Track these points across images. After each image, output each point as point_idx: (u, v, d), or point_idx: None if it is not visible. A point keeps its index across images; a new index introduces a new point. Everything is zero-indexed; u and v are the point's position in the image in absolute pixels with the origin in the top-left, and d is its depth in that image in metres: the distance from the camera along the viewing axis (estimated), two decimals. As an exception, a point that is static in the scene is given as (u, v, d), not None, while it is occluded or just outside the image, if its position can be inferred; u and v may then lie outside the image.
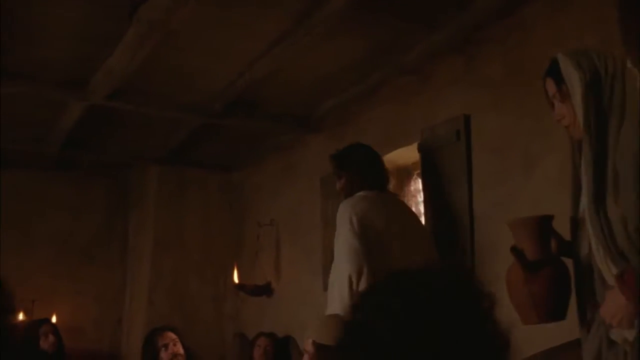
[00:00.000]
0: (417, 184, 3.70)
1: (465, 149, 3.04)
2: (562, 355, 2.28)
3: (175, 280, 5.12)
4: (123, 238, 5.61)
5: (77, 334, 5.08)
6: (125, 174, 5.58)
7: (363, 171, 2.95)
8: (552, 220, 2.00)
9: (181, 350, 3.42)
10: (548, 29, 2.75)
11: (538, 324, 1.93)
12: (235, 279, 4.74)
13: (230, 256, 5.15)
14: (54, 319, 4.80)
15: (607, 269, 1.75)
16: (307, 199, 4.35)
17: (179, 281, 5.13)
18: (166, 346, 3.38)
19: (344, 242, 2.70)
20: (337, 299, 2.63)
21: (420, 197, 3.59)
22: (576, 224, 1.95)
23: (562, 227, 2.02)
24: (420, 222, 3.12)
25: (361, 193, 2.86)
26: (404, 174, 3.82)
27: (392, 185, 3.39)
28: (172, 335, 3.47)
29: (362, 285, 2.61)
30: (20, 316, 4.62)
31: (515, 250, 1.94)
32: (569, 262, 1.99)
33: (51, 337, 4.36)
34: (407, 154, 3.61)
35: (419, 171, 3.55)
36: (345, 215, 2.74)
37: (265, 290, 4.66)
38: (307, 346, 2.35)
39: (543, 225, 1.96)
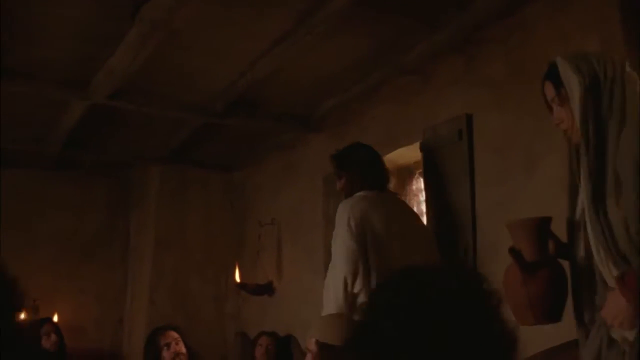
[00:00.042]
0: (419, 184, 3.71)
1: (467, 148, 3.05)
2: (561, 356, 2.29)
3: (176, 279, 5.13)
4: (124, 237, 5.62)
5: (78, 334, 5.09)
6: (127, 173, 5.59)
7: (363, 171, 2.96)
8: (551, 222, 2.00)
9: (183, 350, 3.41)
10: (549, 29, 2.76)
11: (534, 325, 1.93)
12: (237, 278, 4.74)
13: (231, 255, 5.15)
14: (55, 318, 4.81)
15: (607, 271, 1.75)
16: (309, 198, 4.36)
17: (181, 280, 5.14)
18: (168, 345, 3.38)
19: (341, 244, 2.71)
20: (332, 300, 2.66)
21: (422, 197, 3.60)
22: (573, 226, 1.96)
23: (563, 227, 2.02)
24: (421, 221, 3.13)
25: (361, 193, 2.86)
26: (406, 174, 3.82)
27: (393, 185, 3.40)
28: (174, 334, 3.46)
29: (357, 287, 2.64)
30: (22, 315, 4.62)
31: (513, 251, 1.94)
32: (565, 264, 1.99)
33: (53, 337, 4.37)
34: (408, 154, 3.62)
35: (420, 170, 3.56)
36: (343, 216, 2.75)
37: (267, 289, 4.67)
38: (310, 345, 2.35)
39: (541, 227, 1.97)
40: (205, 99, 3.86)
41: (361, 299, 2.65)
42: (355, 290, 2.65)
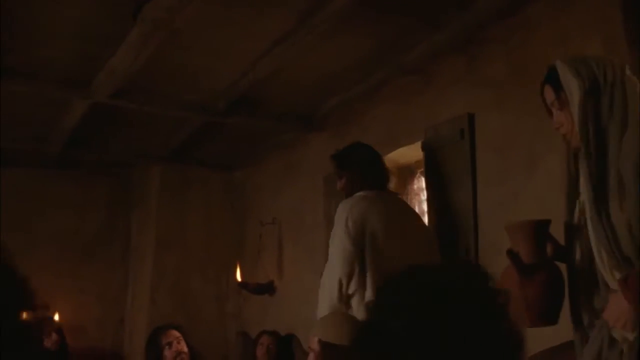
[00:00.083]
0: (420, 183, 3.71)
1: (468, 148, 3.05)
2: (560, 356, 2.29)
3: (177, 279, 5.14)
4: (125, 237, 5.62)
5: (79, 333, 5.10)
6: (128, 172, 5.59)
7: (363, 171, 2.96)
8: (549, 225, 2.00)
9: (185, 349, 3.41)
10: (551, 28, 2.76)
11: (530, 328, 1.93)
12: (238, 278, 4.75)
13: (232, 255, 5.16)
14: (56, 318, 4.82)
15: (609, 274, 1.75)
16: (310, 198, 4.36)
17: (182, 280, 5.15)
18: (170, 344, 3.38)
19: (339, 244, 2.72)
20: (327, 300, 2.69)
21: (423, 196, 3.60)
22: (571, 229, 1.96)
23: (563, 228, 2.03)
24: (421, 221, 3.13)
25: (361, 193, 2.87)
26: (407, 173, 3.83)
27: (394, 185, 3.40)
28: (176, 333, 3.46)
29: (352, 289, 2.67)
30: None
31: (510, 253, 1.95)
32: (563, 267, 1.99)
33: (54, 336, 4.37)
34: (410, 153, 3.62)
35: (422, 170, 3.56)
36: (342, 216, 2.76)
37: (268, 288, 4.67)
38: (313, 344, 2.35)
39: (540, 229, 1.97)
40: (206, 98, 3.86)
41: (355, 300, 2.68)
42: (350, 291, 2.68)
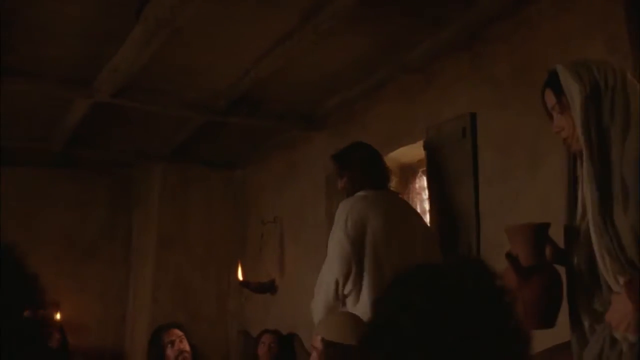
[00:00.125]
0: (422, 182, 3.71)
1: (471, 146, 3.05)
2: (560, 356, 2.29)
3: (178, 277, 5.14)
4: (126, 236, 5.63)
5: (81, 332, 5.10)
6: (129, 171, 5.59)
7: (364, 170, 2.95)
8: (549, 228, 2.00)
9: (187, 347, 3.41)
10: (553, 27, 2.76)
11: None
12: (239, 276, 4.75)
13: (233, 254, 5.16)
14: (57, 317, 4.82)
15: (612, 278, 1.75)
16: (311, 197, 4.36)
17: (183, 279, 5.15)
18: (172, 343, 3.38)
19: (337, 244, 2.73)
20: (323, 299, 2.72)
21: (425, 195, 3.60)
22: (571, 232, 1.95)
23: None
24: (423, 221, 3.12)
25: (362, 192, 2.86)
26: (409, 172, 3.83)
27: (396, 183, 3.40)
28: (178, 332, 3.46)
29: (348, 289, 2.69)
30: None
31: (509, 256, 1.95)
32: (562, 271, 1.99)
33: (56, 334, 4.37)
34: (411, 152, 3.62)
35: (423, 169, 3.56)
36: (342, 216, 2.76)
37: (269, 287, 4.67)
38: (316, 343, 2.36)
39: (539, 232, 1.97)
40: (208, 97, 3.86)
41: (350, 299, 2.70)
42: (346, 291, 2.70)
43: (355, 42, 3.22)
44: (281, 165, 4.83)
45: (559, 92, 1.90)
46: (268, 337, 4.21)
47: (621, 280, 1.72)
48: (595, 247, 1.78)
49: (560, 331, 2.02)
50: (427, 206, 3.51)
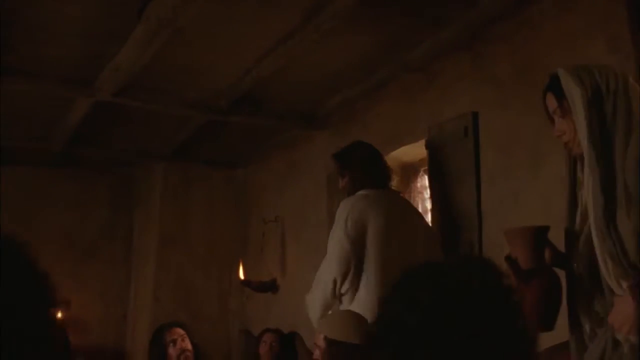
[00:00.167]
0: (424, 181, 3.72)
1: (472, 146, 3.05)
2: (559, 356, 2.29)
3: (180, 276, 5.15)
4: (127, 235, 5.63)
5: (82, 331, 5.11)
6: (130, 170, 5.59)
7: (365, 169, 2.96)
8: (548, 231, 2.00)
9: (189, 346, 3.42)
10: (555, 27, 2.76)
11: None
12: (241, 276, 4.75)
13: (235, 253, 5.17)
14: (59, 316, 4.82)
15: (615, 282, 1.75)
16: (313, 196, 4.36)
17: (184, 278, 5.16)
18: (174, 342, 3.39)
19: (337, 243, 2.75)
20: (321, 297, 2.76)
21: (427, 194, 3.61)
22: (571, 235, 1.95)
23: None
24: (424, 220, 3.13)
25: (363, 191, 2.87)
26: (411, 171, 3.83)
27: (398, 182, 3.40)
28: (180, 331, 3.47)
29: (345, 287, 2.72)
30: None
31: (508, 259, 1.95)
32: (561, 274, 2.00)
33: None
34: (413, 151, 3.62)
35: (425, 168, 3.56)
36: (342, 215, 2.77)
37: (271, 286, 4.67)
38: (319, 341, 2.37)
39: (538, 235, 1.97)
40: (209, 96, 3.86)
41: (347, 297, 2.73)
42: (343, 290, 2.73)
43: (356, 42, 3.22)
44: (282, 165, 4.83)
45: (560, 96, 1.89)
46: (269, 336, 4.22)
47: (624, 284, 1.72)
48: (598, 251, 1.78)
49: (560, 331, 2.03)
50: (428, 205, 3.52)
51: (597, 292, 1.85)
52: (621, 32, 2.40)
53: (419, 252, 2.78)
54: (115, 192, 5.65)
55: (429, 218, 3.34)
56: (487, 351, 0.92)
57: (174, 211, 5.23)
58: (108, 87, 3.57)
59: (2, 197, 4.82)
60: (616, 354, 1.77)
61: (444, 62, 3.32)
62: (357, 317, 2.44)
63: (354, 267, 2.71)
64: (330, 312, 2.77)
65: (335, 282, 2.71)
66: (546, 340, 2.33)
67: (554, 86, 1.92)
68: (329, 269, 2.75)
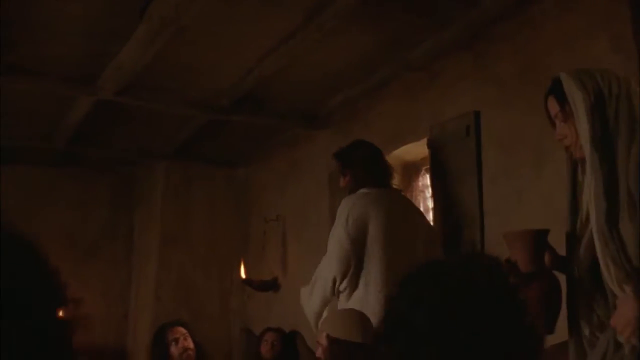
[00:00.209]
0: (425, 180, 3.72)
1: (474, 145, 3.06)
2: (559, 356, 2.29)
3: (181, 275, 5.15)
4: (129, 234, 5.63)
5: (83, 330, 5.10)
6: (132, 170, 5.59)
7: (366, 168, 2.96)
8: (548, 235, 2.00)
9: (191, 345, 3.42)
10: (557, 27, 2.76)
11: None
12: (242, 274, 4.76)
13: (236, 252, 5.17)
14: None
15: (617, 287, 1.75)
16: (314, 195, 4.37)
17: (186, 277, 5.16)
18: (176, 340, 3.39)
19: (337, 242, 2.76)
20: (320, 293, 2.78)
21: (429, 193, 3.61)
22: (572, 239, 1.95)
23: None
24: (424, 218, 3.13)
25: (364, 190, 2.87)
26: (412, 170, 3.83)
27: (400, 181, 3.41)
28: (182, 329, 3.47)
29: (344, 286, 2.73)
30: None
31: (508, 262, 1.95)
32: (561, 278, 2.00)
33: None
34: (415, 150, 3.63)
35: (427, 167, 3.56)
36: (343, 213, 2.77)
37: (272, 285, 4.68)
38: (321, 339, 2.37)
39: (538, 239, 1.97)
40: (211, 95, 3.87)
41: (344, 295, 2.74)
42: (341, 288, 2.74)
43: (358, 41, 3.22)
44: (284, 164, 4.84)
45: (562, 100, 1.89)
46: (271, 335, 4.22)
47: (627, 288, 1.71)
48: (600, 256, 1.77)
49: (559, 332, 2.03)
50: (430, 204, 3.52)
51: (599, 296, 1.85)
52: (624, 32, 2.40)
53: (419, 251, 2.79)
54: (116, 192, 5.65)
55: (430, 217, 3.34)
56: (495, 349, 0.92)
57: (176, 210, 5.23)
58: (110, 86, 3.57)
59: (3, 196, 4.82)
60: (617, 355, 1.77)
61: (445, 61, 3.32)
62: (360, 316, 2.44)
63: (354, 265, 2.71)
64: (331, 309, 2.77)
65: (334, 280, 2.73)
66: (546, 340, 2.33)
67: (556, 90, 1.91)
68: (329, 267, 2.76)
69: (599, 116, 1.81)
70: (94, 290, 5.38)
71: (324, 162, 4.12)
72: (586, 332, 1.87)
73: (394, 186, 3.07)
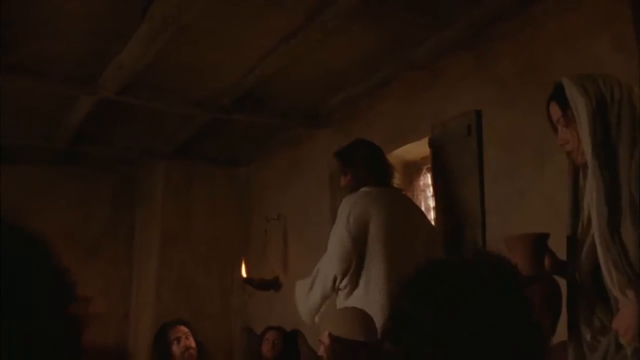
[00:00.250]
0: (427, 179, 3.72)
1: (476, 144, 3.06)
2: (559, 355, 2.29)
3: (182, 274, 5.15)
4: (130, 233, 5.63)
5: (84, 329, 5.10)
6: (133, 169, 5.59)
7: (367, 167, 2.96)
8: (548, 239, 2.01)
9: (193, 344, 3.42)
10: (559, 26, 2.76)
11: None
12: (243, 273, 4.74)
13: (237, 251, 5.17)
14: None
15: (619, 292, 1.75)
16: (315, 194, 4.37)
17: (187, 276, 5.16)
18: (178, 340, 3.38)
19: (338, 240, 2.76)
20: (320, 291, 2.80)
21: (430, 192, 3.61)
22: (573, 243, 1.95)
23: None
24: (425, 218, 3.12)
25: (365, 189, 2.88)
26: (414, 169, 3.83)
27: (401, 180, 3.41)
28: (184, 329, 3.47)
29: (343, 284, 2.74)
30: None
31: None
32: (561, 282, 2.00)
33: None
34: (416, 149, 3.63)
35: (428, 166, 3.57)
36: (344, 212, 2.78)
37: (273, 284, 4.66)
38: (323, 338, 2.37)
39: (538, 243, 1.98)
40: (212, 94, 3.87)
41: (343, 293, 2.74)
42: (341, 286, 2.75)
43: (359, 40, 3.23)
44: (285, 163, 4.84)
45: (564, 105, 1.89)
46: (272, 334, 4.21)
47: (629, 293, 1.72)
48: (601, 261, 1.77)
49: (559, 332, 2.03)
50: (431, 203, 3.52)
51: (600, 301, 1.85)
52: (625, 31, 2.40)
53: (419, 250, 2.79)
54: (117, 191, 5.64)
55: (431, 216, 3.35)
56: (501, 346, 0.92)
57: (177, 209, 5.23)
58: (111, 85, 3.57)
59: (4, 195, 4.81)
60: (618, 356, 1.77)
61: (447, 60, 3.32)
62: (363, 314, 2.44)
63: (355, 264, 2.71)
64: (332, 308, 2.78)
65: (335, 279, 2.74)
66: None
67: (558, 95, 1.91)
68: (330, 265, 2.77)
69: (601, 121, 1.81)
70: (95, 289, 5.37)
71: (325, 161, 4.12)
72: (587, 336, 1.87)
73: (395, 185, 3.07)
